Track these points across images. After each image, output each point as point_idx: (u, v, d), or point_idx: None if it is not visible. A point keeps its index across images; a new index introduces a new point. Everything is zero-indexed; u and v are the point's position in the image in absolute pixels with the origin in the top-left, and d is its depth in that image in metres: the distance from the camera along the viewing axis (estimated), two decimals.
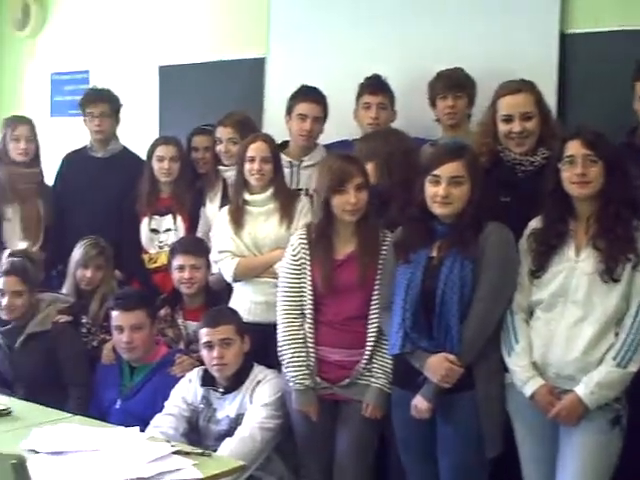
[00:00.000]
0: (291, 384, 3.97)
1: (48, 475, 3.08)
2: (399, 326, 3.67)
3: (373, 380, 3.93)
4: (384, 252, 3.94)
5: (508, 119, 3.99)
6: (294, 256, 4.06)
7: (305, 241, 4.05)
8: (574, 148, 3.50)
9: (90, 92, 5.79)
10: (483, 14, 5.02)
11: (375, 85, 4.89)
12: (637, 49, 4.31)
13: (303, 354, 3.97)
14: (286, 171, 4.84)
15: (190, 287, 4.75)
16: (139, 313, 4.50)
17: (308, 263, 4.02)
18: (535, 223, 3.67)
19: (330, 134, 5.06)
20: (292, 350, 3.98)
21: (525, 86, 4.03)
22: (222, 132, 5.07)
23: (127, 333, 4.46)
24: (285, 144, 5.05)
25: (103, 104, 5.58)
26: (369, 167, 4.08)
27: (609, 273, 3.41)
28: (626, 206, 3.47)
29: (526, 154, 3.98)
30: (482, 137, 4.12)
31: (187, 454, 3.29)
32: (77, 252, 5.00)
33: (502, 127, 4.02)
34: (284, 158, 4.88)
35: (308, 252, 4.03)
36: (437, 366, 3.60)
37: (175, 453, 3.28)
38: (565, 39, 4.76)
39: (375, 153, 4.16)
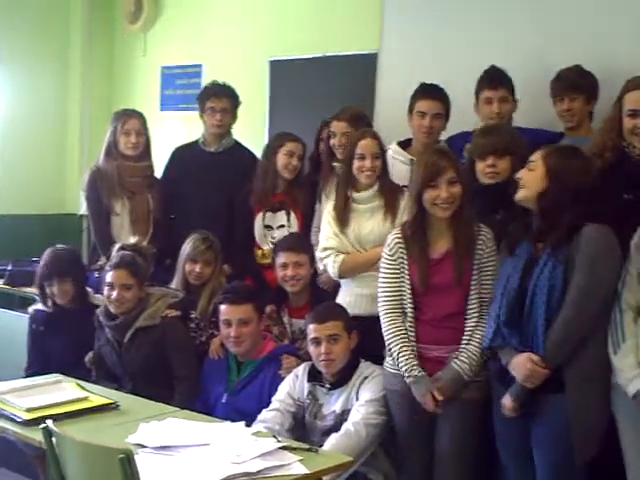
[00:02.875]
0: (406, 377, 4.01)
1: (155, 470, 3.15)
2: (494, 320, 3.73)
3: (454, 361, 3.97)
4: (480, 247, 4.00)
5: (633, 114, 3.96)
6: (391, 256, 4.11)
7: (401, 240, 4.10)
8: None
9: (213, 86, 5.82)
10: (607, 11, 5.00)
11: (495, 79, 4.88)
12: None
13: (411, 347, 4.02)
14: (407, 169, 4.89)
15: (295, 285, 4.84)
16: (247, 307, 4.58)
17: (406, 262, 4.07)
18: None
19: (450, 127, 5.07)
20: (400, 345, 4.02)
21: None
22: (337, 126, 5.09)
23: (235, 327, 4.54)
24: (408, 142, 5.10)
25: (227, 99, 5.66)
26: (506, 161, 4.15)
27: None
28: None
29: None
30: (607, 133, 4.10)
31: (294, 450, 3.35)
32: (186, 246, 5.08)
33: (627, 122, 3.99)
34: (406, 155, 4.96)
35: (405, 251, 4.08)
36: (521, 365, 3.64)
37: (281, 448, 3.34)
38: None
39: (514, 147, 4.18)
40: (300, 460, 3.25)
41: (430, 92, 4.97)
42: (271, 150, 5.30)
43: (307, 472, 3.18)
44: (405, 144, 5.04)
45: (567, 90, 4.66)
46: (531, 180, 3.69)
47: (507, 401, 3.71)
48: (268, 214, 5.29)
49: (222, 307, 4.63)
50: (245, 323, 4.56)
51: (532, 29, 5.23)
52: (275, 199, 5.30)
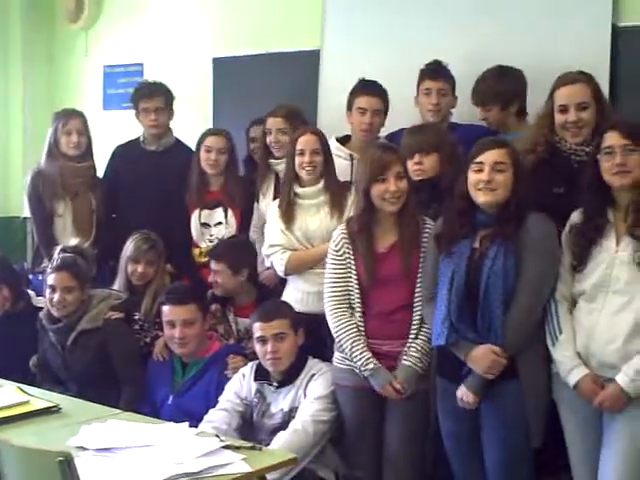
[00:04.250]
0: (362, 370, 4.04)
1: (96, 472, 3.13)
2: (445, 317, 3.76)
3: (405, 358, 4.02)
4: (425, 241, 4.04)
5: (564, 109, 4.09)
6: (337, 251, 4.16)
7: (347, 235, 4.14)
8: (612, 139, 3.61)
9: (143, 86, 5.84)
10: (536, 9, 5.13)
11: (436, 71, 4.97)
12: None
13: (363, 340, 4.06)
14: (347, 164, 4.94)
15: (220, 292, 4.91)
16: (191, 307, 4.58)
17: (352, 257, 4.12)
18: (576, 217, 3.76)
19: (389, 124, 5.11)
20: (352, 339, 4.06)
21: (582, 77, 4.13)
22: (272, 123, 5.12)
23: (179, 328, 4.54)
24: (347, 138, 5.13)
25: (158, 98, 5.64)
26: (432, 158, 4.23)
27: None
28: None
29: (581, 144, 4.04)
30: (539, 128, 4.21)
31: (237, 448, 3.35)
32: (128, 247, 5.07)
33: (558, 117, 4.11)
34: (345, 151, 5.00)
35: (350, 246, 4.12)
36: (482, 357, 3.70)
37: (225, 448, 3.34)
38: (618, 32, 4.85)
39: (439, 144, 4.28)
40: (243, 458, 3.24)
41: (370, 88, 5.01)
42: (196, 147, 5.33)
43: (250, 470, 3.18)
44: (344, 140, 5.08)
45: (480, 102, 4.85)
46: (503, 182, 3.74)
47: (465, 395, 3.76)
48: (204, 212, 5.29)
49: (165, 308, 4.63)
50: (189, 324, 4.56)
51: (471, 29, 5.31)
52: (210, 197, 5.31)
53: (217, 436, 3.48)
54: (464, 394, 3.77)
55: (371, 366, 4.02)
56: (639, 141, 3.58)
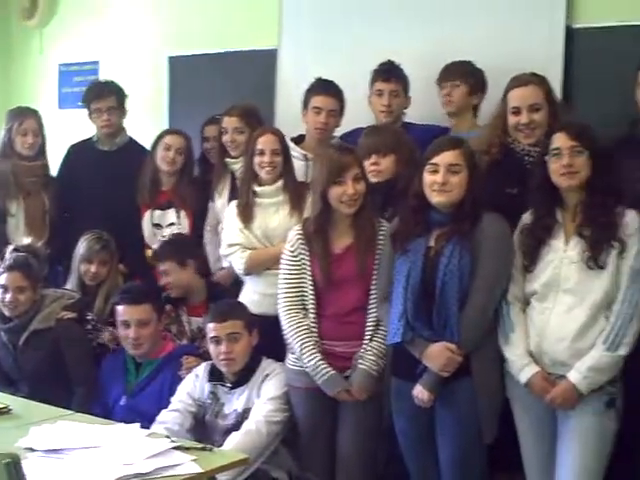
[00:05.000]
0: (313, 376, 4.06)
1: (44, 473, 3.12)
2: (400, 315, 3.79)
3: (360, 362, 4.04)
4: (381, 243, 4.06)
5: (517, 111, 4.16)
6: (292, 252, 4.17)
7: (302, 236, 4.16)
8: (560, 140, 3.68)
9: (94, 86, 5.83)
10: (490, 10, 5.19)
11: (388, 72, 4.99)
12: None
13: (314, 343, 4.07)
14: (301, 164, 4.94)
15: (170, 292, 4.91)
16: (145, 307, 4.58)
17: (307, 258, 4.13)
18: (526, 218, 3.83)
19: (343, 124, 5.14)
20: (302, 341, 4.08)
21: (534, 79, 4.20)
22: (228, 122, 5.12)
23: (134, 328, 4.54)
24: (301, 138, 5.15)
25: (110, 98, 5.63)
26: (388, 159, 4.25)
27: (594, 260, 3.59)
28: (610, 195, 3.64)
29: (534, 145, 4.09)
30: (493, 130, 4.27)
31: (187, 449, 3.35)
32: (81, 246, 5.06)
33: (511, 119, 4.19)
34: (299, 151, 5.00)
35: (306, 247, 4.14)
36: (437, 355, 3.74)
37: (175, 448, 3.34)
38: (571, 34, 4.91)
39: (396, 146, 4.29)
40: (193, 459, 3.25)
41: (326, 88, 5.03)
42: (152, 145, 5.32)
43: (200, 471, 3.19)
44: (298, 140, 5.09)
45: (450, 75, 4.86)
46: (457, 183, 3.78)
47: (421, 393, 3.79)
48: (156, 212, 5.29)
49: (119, 308, 4.62)
50: (144, 324, 4.56)
51: (426, 30, 5.36)
52: (162, 197, 5.30)
53: (167, 437, 3.50)
54: (419, 392, 3.80)
55: (324, 372, 4.03)
56: (586, 143, 3.64)
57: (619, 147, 4.04)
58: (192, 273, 4.94)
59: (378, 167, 4.27)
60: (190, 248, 5.05)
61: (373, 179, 4.25)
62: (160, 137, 5.30)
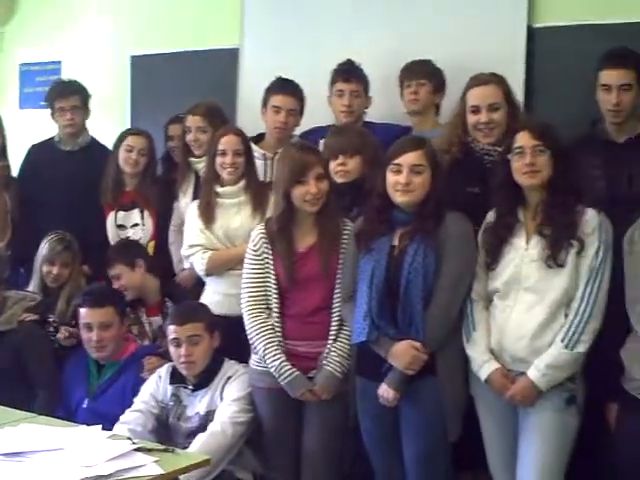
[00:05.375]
0: (277, 377, 4.05)
1: (4, 476, 3.11)
2: (365, 314, 3.80)
3: (324, 363, 4.04)
4: (345, 242, 4.07)
5: (476, 110, 4.21)
6: (255, 251, 4.16)
7: (265, 235, 4.15)
8: (523, 139, 3.72)
9: (58, 85, 5.80)
10: (452, 8, 5.24)
11: (348, 72, 5.01)
12: (601, 43, 4.46)
13: (278, 343, 4.06)
14: (260, 164, 4.93)
15: (126, 295, 4.90)
16: (108, 310, 4.56)
17: (270, 257, 4.13)
18: (490, 217, 3.87)
19: (305, 124, 5.17)
20: (265, 342, 4.06)
21: (493, 78, 4.25)
22: (191, 121, 5.12)
23: (96, 331, 4.52)
24: (261, 137, 5.14)
25: (73, 97, 5.60)
26: (355, 160, 4.26)
27: (553, 258, 3.63)
28: (570, 194, 3.68)
29: (494, 145, 4.14)
30: (453, 129, 4.31)
31: (149, 451, 3.36)
32: (43, 248, 5.04)
33: (470, 118, 4.24)
34: (258, 150, 4.98)
35: (269, 246, 4.13)
36: (402, 353, 3.76)
37: (137, 450, 3.34)
38: (533, 33, 4.97)
39: (362, 146, 4.30)
40: (155, 461, 3.26)
41: (285, 87, 5.05)
42: (115, 147, 5.30)
43: (162, 472, 3.19)
44: (257, 139, 5.09)
45: (415, 75, 4.88)
46: (420, 183, 3.80)
47: (386, 392, 3.81)
48: (120, 213, 5.27)
49: (82, 310, 4.61)
50: (106, 326, 4.55)
51: (388, 28, 5.39)
52: (126, 198, 5.28)
53: (129, 439, 3.49)
54: (384, 391, 3.82)
55: (287, 373, 4.03)
56: (549, 142, 3.68)
57: (579, 146, 4.10)
58: (143, 273, 4.95)
59: (345, 167, 4.27)
60: (136, 248, 5.07)
61: (340, 179, 4.26)
62: (122, 138, 5.28)
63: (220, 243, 4.66)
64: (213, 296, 4.67)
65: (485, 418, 3.86)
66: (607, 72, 4.16)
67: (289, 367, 4.03)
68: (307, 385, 4.04)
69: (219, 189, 4.68)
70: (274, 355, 4.05)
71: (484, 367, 3.74)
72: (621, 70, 4.12)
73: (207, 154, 4.82)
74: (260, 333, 4.09)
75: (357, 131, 4.58)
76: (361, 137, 4.41)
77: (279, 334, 4.08)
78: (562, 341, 3.61)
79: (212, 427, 4.11)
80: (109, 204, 5.27)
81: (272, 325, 4.09)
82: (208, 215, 4.66)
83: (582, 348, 3.60)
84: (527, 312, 3.67)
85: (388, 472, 4.02)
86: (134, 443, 3.41)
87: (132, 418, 4.23)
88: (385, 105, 5.08)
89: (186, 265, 4.91)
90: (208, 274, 4.69)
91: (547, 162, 3.66)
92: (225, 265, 4.63)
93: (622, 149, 4.15)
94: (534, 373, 3.62)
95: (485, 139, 4.18)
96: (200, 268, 4.67)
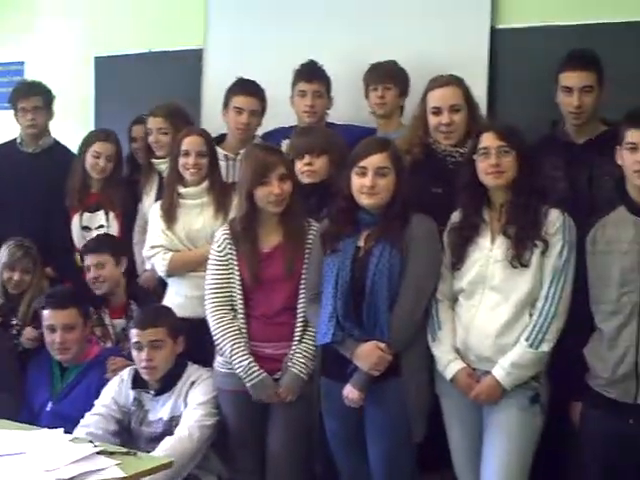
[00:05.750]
0: (244, 380, 4.04)
1: None
2: (330, 315, 3.82)
3: (289, 365, 4.05)
4: (310, 243, 4.08)
5: (437, 111, 4.26)
6: (219, 252, 4.16)
7: (229, 236, 4.15)
8: (488, 140, 3.75)
9: (21, 86, 5.77)
10: (415, 9, 5.24)
11: (310, 72, 5.02)
12: (564, 44, 4.49)
13: (244, 345, 4.06)
14: (222, 164, 4.92)
15: (99, 287, 4.86)
16: (72, 312, 4.55)
17: (235, 258, 4.12)
18: (455, 217, 3.90)
19: (268, 125, 5.17)
20: (232, 343, 4.06)
21: (453, 80, 4.31)
22: (152, 122, 5.11)
23: (60, 333, 4.50)
24: (222, 137, 5.15)
25: (36, 97, 5.57)
26: (322, 160, 4.26)
27: (518, 259, 3.66)
28: (534, 195, 3.72)
29: (455, 146, 4.20)
30: (414, 130, 4.36)
31: (111, 454, 3.37)
32: (3, 254, 5.04)
33: (432, 120, 4.28)
34: (220, 151, 4.97)
35: (234, 247, 4.12)
36: (368, 354, 3.77)
37: (99, 453, 3.35)
38: (495, 34, 4.99)
39: (329, 147, 4.31)
40: (117, 464, 3.27)
41: (247, 88, 5.04)
42: (81, 150, 5.27)
43: (124, 475, 3.21)
44: (219, 139, 5.08)
45: (382, 79, 4.87)
46: (385, 186, 3.82)
47: (351, 393, 3.82)
48: (85, 215, 5.24)
49: (45, 312, 4.59)
50: (70, 328, 4.53)
51: (352, 29, 5.39)
52: (91, 199, 5.26)
53: (91, 442, 3.49)
54: (349, 392, 3.83)
55: (254, 375, 4.03)
56: (514, 143, 3.71)
57: (541, 147, 4.14)
58: (121, 272, 4.93)
59: (312, 167, 4.28)
60: (125, 247, 5.06)
61: (307, 179, 4.27)
62: (89, 143, 5.24)
63: (182, 244, 4.65)
64: (175, 298, 4.65)
65: (450, 418, 3.89)
66: (568, 74, 4.18)
67: (257, 368, 4.03)
68: (273, 387, 4.04)
69: (182, 190, 4.67)
70: (242, 356, 4.04)
71: (450, 366, 3.77)
72: (582, 72, 4.15)
73: (170, 155, 4.80)
74: (227, 335, 4.08)
75: (324, 131, 4.60)
76: (328, 137, 4.42)
77: (245, 335, 4.08)
78: (527, 340, 3.64)
79: (179, 431, 4.10)
80: (74, 206, 5.24)
81: (238, 327, 4.08)
82: (170, 216, 4.65)
83: (546, 347, 3.64)
84: (492, 311, 3.70)
85: (353, 473, 4.04)
86: (96, 446, 3.41)
87: (92, 421, 4.21)
88: (347, 106, 5.09)
89: (148, 266, 4.90)
90: (169, 275, 4.67)
91: (512, 163, 3.70)
92: (186, 266, 4.62)
93: (582, 150, 4.18)
94: (499, 372, 3.65)
95: (446, 140, 4.22)
96: (161, 269, 4.66)
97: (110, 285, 4.87)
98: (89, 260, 4.87)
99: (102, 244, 4.93)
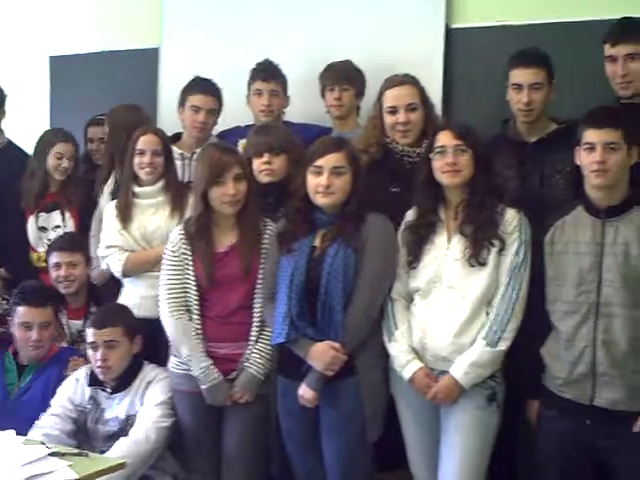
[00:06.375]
0: (200, 383, 4.04)
1: None
2: (285, 315, 3.82)
3: (246, 365, 4.04)
4: (266, 242, 4.08)
5: (393, 111, 4.28)
6: (174, 252, 4.15)
7: (184, 236, 4.14)
8: (445, 139, 3.77)
9: None
10: (371, 8, 5.28)
11: (267, 71, 5.03)
12: (517, 43, 4.51)
13: (200, 347, 4.05)
14: (178, 164, 4.91)
15: (69, 286, 4.84)
16: (48, 310, 4.58)
17: (190, 258, 4.11)
18: (410, 215, 3.91)
19: (224, 124, 5.18)
20: (188, 345, 4.05)
21: (408, 79, 4.33)
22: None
23: (37, 330, 4.51)
24: (178, 136, 5.14)
25: None
26: (281, 159, 4.26)
27: (475, 257, 3.69)
28: (490, 194, 3.74)
29: (412, 145, 4.22)
30: (371, 130, 4.37)
31: (63, 455, 3.37)
32: None
33: (388, 119, 4.30)
34: (176, 150, 4.96)
35: (188, 247, 4.12)
36: (322, 354, 3.77)
37: (51, 455, 3.35)
38: (450, 33, 5.04)
39: (287, 146, 4.31)
40: (69, 465, 3.27)
41: (204, 87, 5.04)
42: (41, 150, 5.24)
43: (76, 477, 3.21)
44: (174, 139, 5.08)
45: (339, 80, 4.88)
46: (341, 185, 3.83)
47: (306, 392, 3.82)
48: (42, 215, 5.22)
49: (20, 309, 4.57)
50: (46, 326, 4.55)
51: (308, 28, 5.43)
52: (47, 199, 5.23)
53: (43, 443, 3.47)
54: (304, 391, 3.83)
55: (210, 378, 4.03)
56: (470, 142, 3.74)
57: (492, 146, 4.14)
58: (87, 274, 4.92)
59: (270, 166, 4.27)
60: (88, 249, 5.01)
61: (265, 178, 4.27)
62: (50, 144, 5.20)
63: (137, 244, 4.63)
64: (131, 298, 4.64)
65: (406, 417, 3.90)
66: (518, 71, 4.20)
67: (216, 371, 4.03)
68: (228, 391, 4.04)
69: (137, 189, 4.65)
70: (199, 358, 4.04)
71: (407, 367, 3.78)
72: (532, 69, 4.17)
73: (126, 154, 4.77)
74: (184, 337, 4.07)
75: (282, 130, 4.58)
76: (287, 136, 4.42)
77: (202, 337, 4.08)
78: (484, 339, 3.66)
79: (135, 432, 4.10)
80: (30, 207, 5.21)
81: (195, 328, 4.08)
82: (125, 215, 4.63)
83: (504, 346, 3.66)
84: (449, 310, 3.72)
85: (309, 473, 4.03)
86: (48, 447, 3.41)
87: (48, 422, 4.20)
88: (304, 105, 5.11)
89: (103, 266, 4.85)
90: (125, 276, 4.65)
91: (468, 162, 3.73)
92: (142, 267, 4.60)
93: (534, 149, 4.20)
94: (457, 371, 3.67)
95: (403, 139, 4.25)
96: (117, 270, 4.63)
97: (79, 285, 4.86)
98: (60, 258, 4.86)
99: (76, 243, 4.94)
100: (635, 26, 4.13)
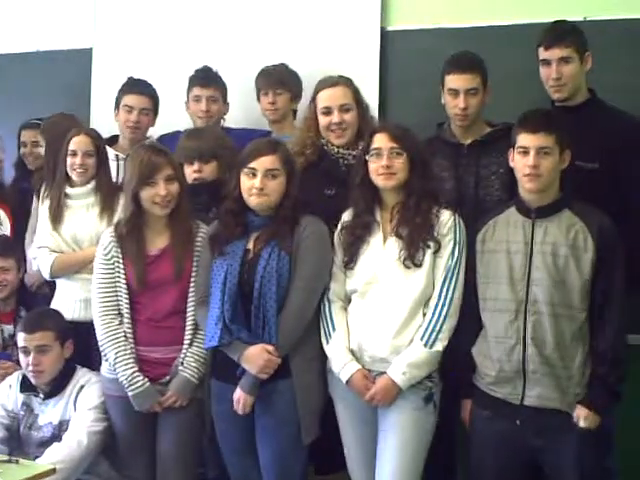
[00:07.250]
0: (126, 389, 4.00)
1: None
2: (217, 318, 3.79)
3: (180, 369, 4.02)
4: (199, 244, 4.06)
5: (327, 111, 4.28)
6: (105, 255, 4.11)
7: (115, 238, 4.11)
8: (380, 141, 3.78)
9: None
10: (306, 11, 5.30)
11: (205, 77, 5.02)
12: (452, 46, 4.55)
13: (129, 352, 4.01)
14: (113, 165, 4.88)
15: (1, 290, 4.79)
16: None
17: (120, 261, 4.08)
18: (346, 216, 3.91)
19: (161, 126, 5.16)
20: (116, 350, 4.01)
21: (342, 80, 4.33)
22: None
23: None
24: (115, 138, 5.12)
25: None
26: (211, 165, 4.26)
27: (410, 259, 3.70)
28: (426, 196, 3.76)
29: (347, 147, 4.22)
30: (306, 131, 4.36)
31: None
32: None
33: (322, 120, 4.30)
34: (111, 151, 4.94)
35: (119, 249, 4.08)
36: (256, 357, 3.75)
37: None
38: (386, 35, 5.07)
39: (218, 151, 4.29)
40: None
41: (138, 87, 5.05)
42: None
43: None
44: (111, 141, 5.06)
45: (272, 84, 4.89)
46: (275, 188, 3.82)
47: (241, 396, 3.80)
48: None
49: None
50: None
51: (243, 31, 5.42)
52: None
53: None
54: (239, 395, 3.81)
55: (137, 384, 3.99)
56: (406, 145, 3.75)
57: (428, 148, 4.14)
58: (19, 278, 4.88)
59: (201, 175, 4.27)
60: (20, 253, 4.97)
61: (196, 181, 4.26)
62: None
63: (67, 246, 4.60)
64: (63, 301, 4.60)
65: (345, 419, 3.89)
66: (453, 77, 4.22)
67: (141, 378, 4.00)
68: (156, 397, 4.01)
69: (69, 190, 4.62)
70: (125, 364, 4.00)
71: (345, 368, 3.77)
72: (467, 75, 4.19)
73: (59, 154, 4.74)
74: (111, 341, 4.04)
75: (214, 134, 4.56)
76: (218, 141, 4.40)
77: (131, 341, 4.04)
78: (421, 339, 3.67)
79: (67, 437, 4.07)
80: None
81: (124, 332, 4.04)
82: (56, 216, 4.60)
83: (440, 346, 3.68)
84: (386, 312, 3.72)
85: (245, 476, 4.01)
86: None
87: None
88: (244, 110, 5.11)
89: (35, 267, 4.83)
90: (53, 277, 4.62)
91: (404, 165, 3.74)
92: (71, 268, 4.56)
93: (469, 151, 4.23)
94: (394, 372, 3.67)
95: (338, 140, 4.24)
96: (45, 270, 4.60)
97: (11, 290, 4.82)
98: None
99: (8, 248, 4.89)
100: (568, 30, 4.17)
